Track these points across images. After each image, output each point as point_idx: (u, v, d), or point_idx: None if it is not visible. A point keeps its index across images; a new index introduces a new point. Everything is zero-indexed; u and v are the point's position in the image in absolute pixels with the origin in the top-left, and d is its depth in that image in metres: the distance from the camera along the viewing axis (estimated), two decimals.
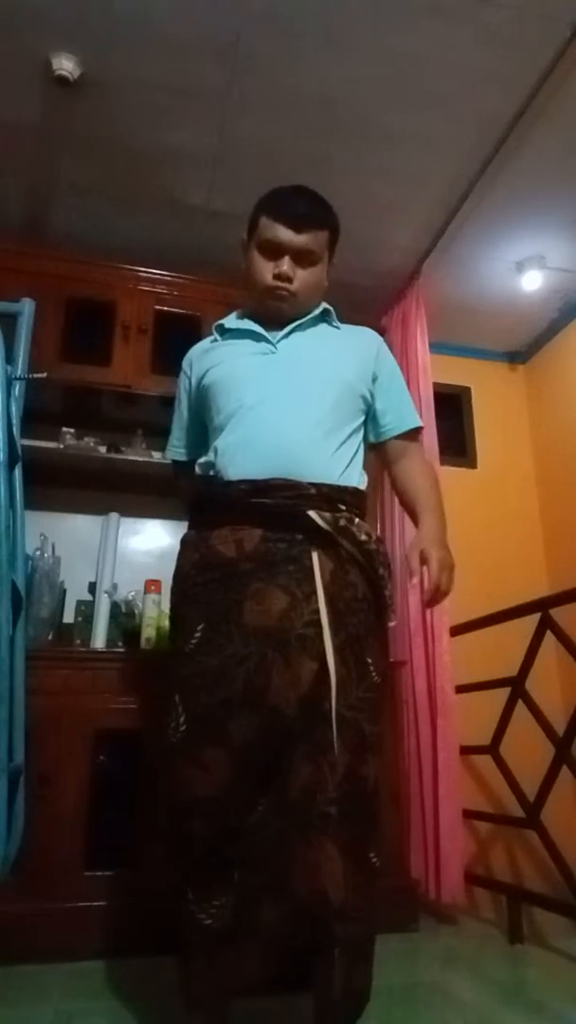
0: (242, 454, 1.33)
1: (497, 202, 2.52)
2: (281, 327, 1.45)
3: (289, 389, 1.37)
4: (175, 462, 1.65)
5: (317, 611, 1.23)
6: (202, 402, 1.47)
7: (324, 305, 1.51)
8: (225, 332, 1.51)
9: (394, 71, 2.04)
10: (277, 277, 1.40)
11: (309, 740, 1.19)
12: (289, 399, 1.35)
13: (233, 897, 1.19)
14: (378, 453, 1.54)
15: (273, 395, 1.36)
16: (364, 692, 1.24)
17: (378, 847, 1.23)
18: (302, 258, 1.41)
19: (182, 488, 1.64)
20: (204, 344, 1.56)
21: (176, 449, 1.62)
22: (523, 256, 2.80)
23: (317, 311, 1.49)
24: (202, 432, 1.51)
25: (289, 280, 1.40)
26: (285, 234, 1.39)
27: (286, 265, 1.40)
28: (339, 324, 1.52)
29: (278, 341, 1.44)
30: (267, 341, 1.44)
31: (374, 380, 1.48)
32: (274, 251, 1.40)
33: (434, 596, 1.32)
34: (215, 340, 1.52)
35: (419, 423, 1.54)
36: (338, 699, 1.19)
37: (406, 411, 1.52)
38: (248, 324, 1.47)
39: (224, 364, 1.44)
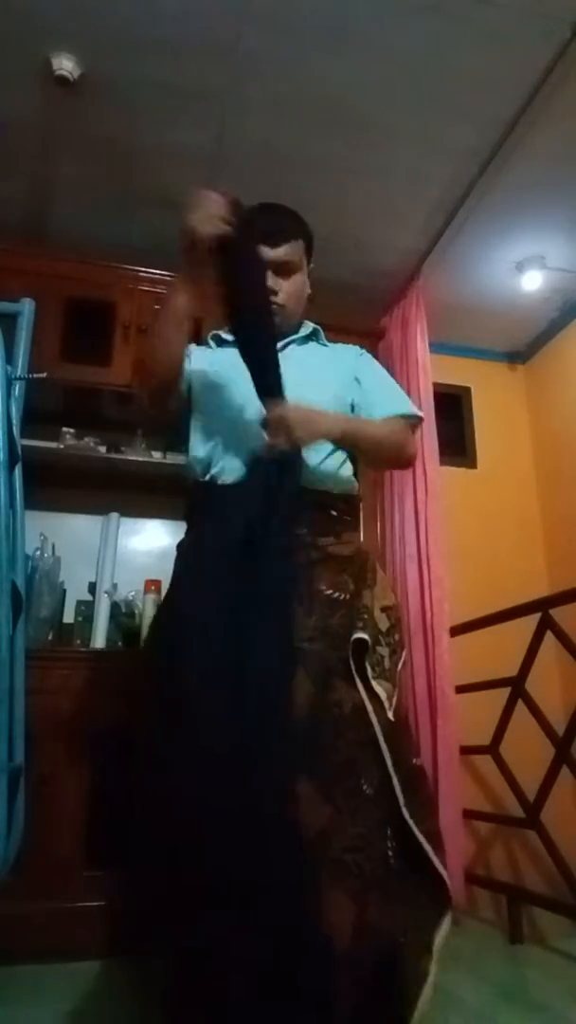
0: (239, 458, 1.34)
1: (497, 202, 2.52)
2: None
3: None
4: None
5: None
6: (196, 397, 1.47)
7: (314, 326, 1.55)
8: (222, 343, 1.53)
9: (394, 71, 2.04)
10: None
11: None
12: None
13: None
14: None
15: None
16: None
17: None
18: (283, 270, 1.43)
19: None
20: (201, 348, 1.57)
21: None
22: (523, 256, 2.80)
23: (307, 331, 1.53)
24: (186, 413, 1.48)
25: (275, 294, 1.42)
26: (263, 251, 1.39)
27: (270, 281, 1.41)
28: (327, 343, 1.56)
29: None
30: None
31: (358, 382, 1.51)
32: None
33: (275, 427, 1.24)
34: (210, 348, 1.54)
35: (408, 411, 1.50)
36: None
37: (395, 399, 1.52)
38: None
39: (224, 367, 1.45)
